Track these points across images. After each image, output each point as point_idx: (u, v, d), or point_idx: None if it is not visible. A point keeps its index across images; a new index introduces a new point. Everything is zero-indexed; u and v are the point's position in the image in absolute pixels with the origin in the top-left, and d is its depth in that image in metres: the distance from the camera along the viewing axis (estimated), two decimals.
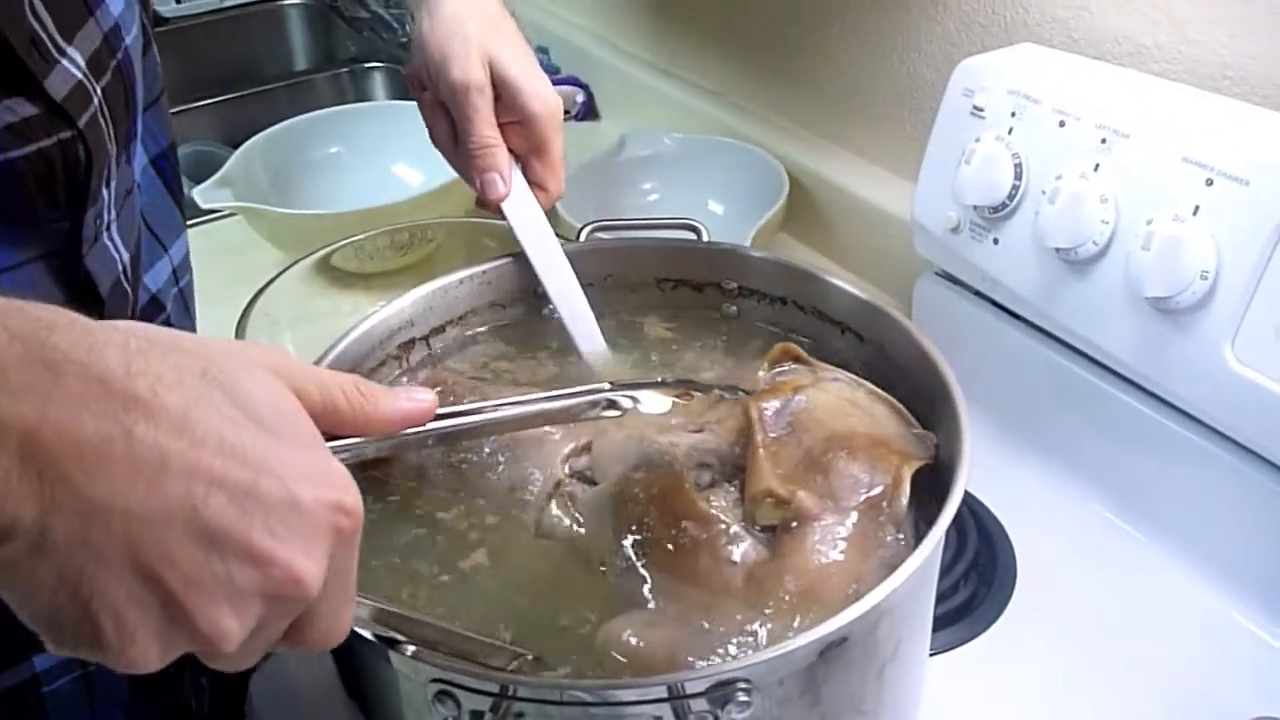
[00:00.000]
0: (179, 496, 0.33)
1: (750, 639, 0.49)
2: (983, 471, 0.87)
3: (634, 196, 1.22)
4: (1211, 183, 0.69)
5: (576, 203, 1.12)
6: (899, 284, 1.01)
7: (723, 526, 0.53)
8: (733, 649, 0.49)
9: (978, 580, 0.79)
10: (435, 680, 0.45)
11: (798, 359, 0.62)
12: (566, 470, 0.58)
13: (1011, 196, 0.81)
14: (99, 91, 0.56)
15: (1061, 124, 0.79)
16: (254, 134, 1.24)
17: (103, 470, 0.33)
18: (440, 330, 0.68)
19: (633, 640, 0.49)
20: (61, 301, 0.53)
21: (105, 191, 0.57)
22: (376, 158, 1.28)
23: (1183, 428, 0.76)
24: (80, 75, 0.54)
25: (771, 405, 0.58)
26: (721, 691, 0.44)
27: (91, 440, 0.33)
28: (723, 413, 0.60)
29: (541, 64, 1.57)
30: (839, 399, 0.59)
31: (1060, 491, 0.84)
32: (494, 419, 0.50)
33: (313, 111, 1.30)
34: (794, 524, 0.53)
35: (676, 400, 0.53)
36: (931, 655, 0.73)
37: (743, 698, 0.44)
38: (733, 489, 0.56)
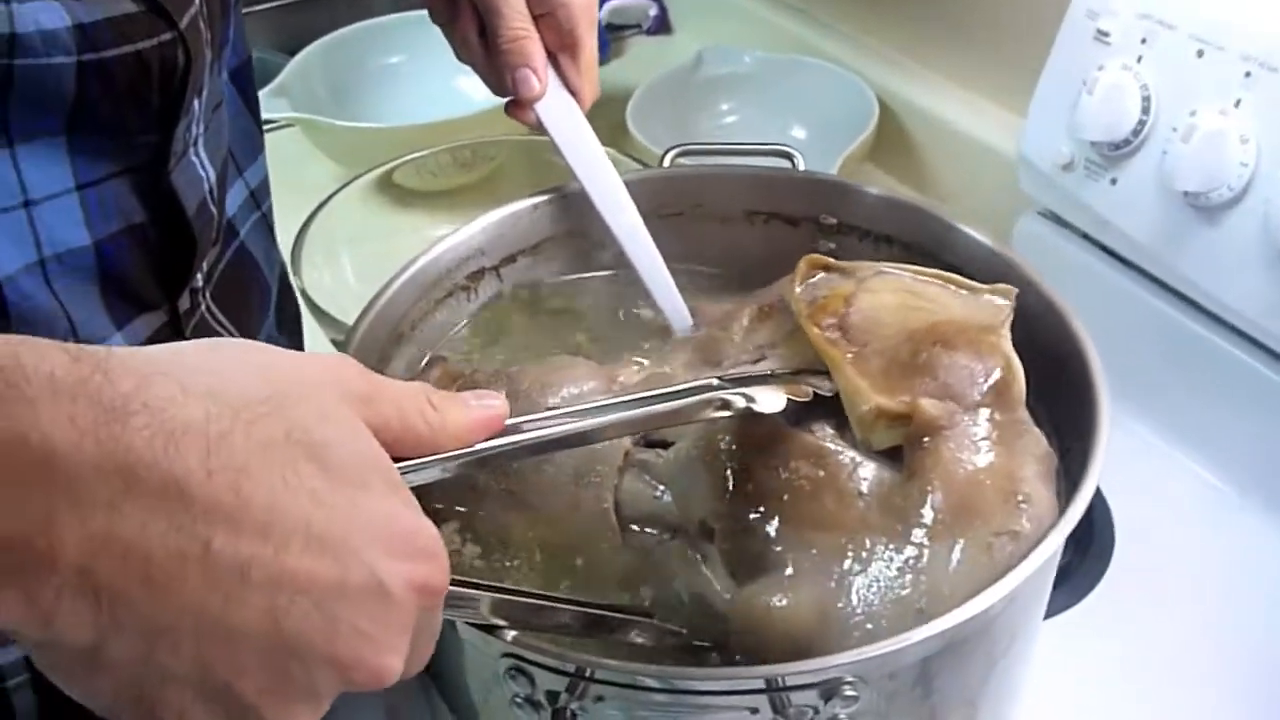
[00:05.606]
0: (260, 610, 0.30)
1: (910, 571, 0.44)
2: None
3: (710, 119, 1.15)
4: None
5: (648, 122, 1.06)
6: (996, 223, 0.94)
7: (841, 458, 0.47)
8: (896, 584, 0.43)
9: (1073, 547, 0.74)
10: (507, 655, 0.41)
11: (827, 268, 0.55)
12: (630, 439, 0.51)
13: (1136, 133, 0.74)
14: None
15: (1199, 54, 0.71)
16: (312, 41, 1.19)
17: (172, 591, 0.29)
18: (511, 260, 0.62)
19: (777, 603, 0.43)
20: (146, 220, 0.50)
21: (196, 102, 0.52)
22: (438, 70, 1.21)
23: None
24: None
25: (830, 321, 0.52)
26: (827, 685, 0.39)
27: (161, 559, 0.29)
28: (774, 333, 0.55)
29: None
30: (893, 294, 0.53)
31: (1166, 455, 0.79)
32: (585, 427, 0.42)
33: (372, 19, 1.24)
34: (925, 439, 0.46)
35: (792, 399, 0.47)
36: None
37: (849, 692, 0.40)
38: (826, 415, 0.49)
